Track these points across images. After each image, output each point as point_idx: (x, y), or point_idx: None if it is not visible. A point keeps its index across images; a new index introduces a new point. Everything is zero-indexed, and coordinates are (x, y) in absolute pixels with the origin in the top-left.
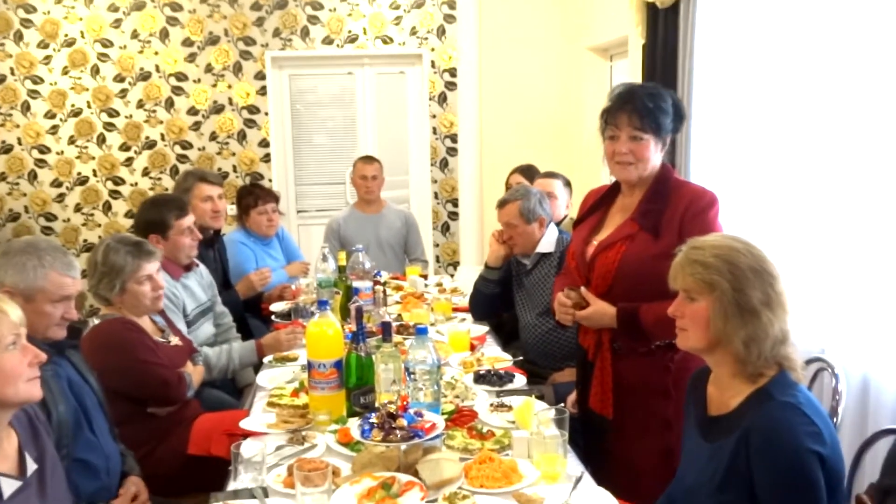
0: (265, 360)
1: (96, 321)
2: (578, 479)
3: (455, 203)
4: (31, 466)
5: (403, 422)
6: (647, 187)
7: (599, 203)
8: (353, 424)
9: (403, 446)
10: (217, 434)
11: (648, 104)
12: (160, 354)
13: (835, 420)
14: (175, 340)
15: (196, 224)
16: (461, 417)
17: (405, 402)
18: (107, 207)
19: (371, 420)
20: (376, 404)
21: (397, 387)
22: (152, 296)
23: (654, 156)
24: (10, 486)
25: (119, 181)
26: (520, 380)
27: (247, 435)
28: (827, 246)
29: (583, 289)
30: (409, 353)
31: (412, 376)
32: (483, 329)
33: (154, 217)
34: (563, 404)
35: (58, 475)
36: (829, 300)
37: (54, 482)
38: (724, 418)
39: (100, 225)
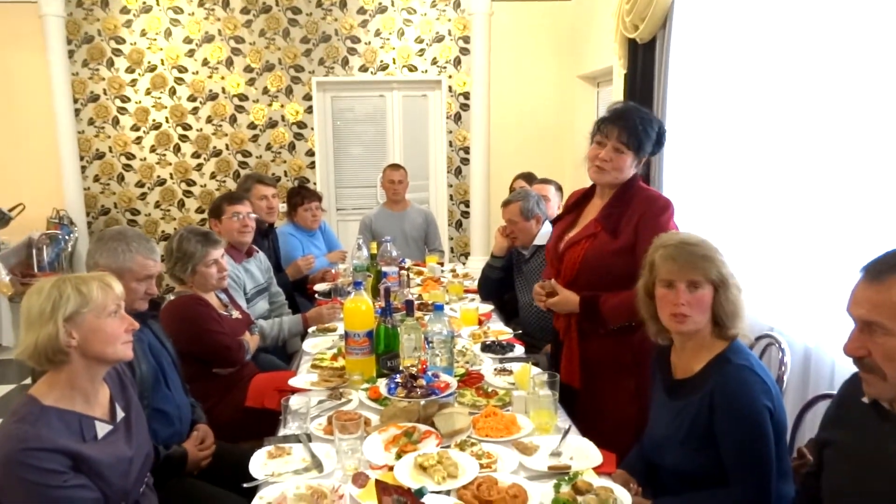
0: (310, 330)
1: (172, 297)
2: (566, 431)
3: (467, 204)
4: (120, 414)
5: (423, 382)
6: (615, 192)
7: (576, 204)
8: (382, 383)
9: (423, 402)
10: (269, 390)
11: (638, 126)
12: (224, 325)
13: (781, 387)
14: (236, 314)
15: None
16: (470, 379)
17: (424, 366)
18: (181, 204)
19: (396, 380)
20: (400, 367)
21: (418, 353)
22: (218, 276)
23: (629, 169)
24: (103, 429)
25: (191, 183)
26: (519, 349)
27: (294, 391)
28: (776, 242)
29: (552, 280)
30: (428, 325)
31: (430, 345)
32: (489, 307)
33: (214, 205)
34: (553, 370)
35: (141, 421)
36: (778, 287)
37: (138, 427)
38: (689, 381)
39: (175, 219)
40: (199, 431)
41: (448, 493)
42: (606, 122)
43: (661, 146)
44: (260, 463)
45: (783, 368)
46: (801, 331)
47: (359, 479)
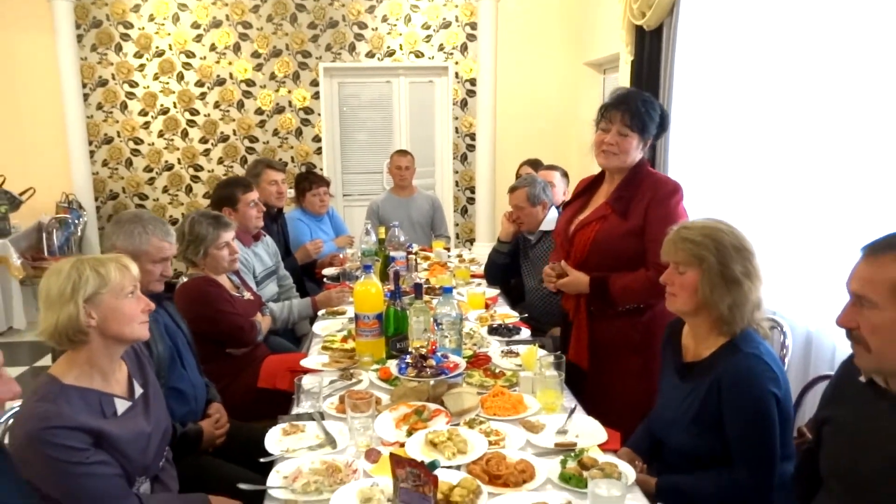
0: (319, 313)
1: (184, 279)
2: (572, 410)
3: (472, 190)
4: (138, 391)
5: (433, 362)
6: (624, 177)
7: (585, 189)
8: (392, 364)
9: (432, 381)
10: (281, 371)
11: (640, 108)
12: (236, 306)
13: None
14: (247, 295)
15: (262, 201)
16: (478, 361)
17: (434, 347)
18: (188, 189)
19: (407, 360)
20: (409, 349)
21: (427, 335)
22: (229, 259)
23: (635, 152)
24: (122, 405)
25: (199, 168)
26: (525, 332)
27: (306, 371)
28: (779, 229)
29: (563, 262)
30: (437, 308)
31: (440, 326)
32: (495, 291)
33: (226, 193)
34: (559, 352)
35: (159, 398)
36: (781, 272)
37: (156, 403)
38: (698, 364)
39: (183, 204)
40: (214, 410)
41: (458, 468)
42: (610, 107)
43: (665, 129)
44: (275, 439)
45: (784, 351)
46: (804, 315)
47: (371, 455)
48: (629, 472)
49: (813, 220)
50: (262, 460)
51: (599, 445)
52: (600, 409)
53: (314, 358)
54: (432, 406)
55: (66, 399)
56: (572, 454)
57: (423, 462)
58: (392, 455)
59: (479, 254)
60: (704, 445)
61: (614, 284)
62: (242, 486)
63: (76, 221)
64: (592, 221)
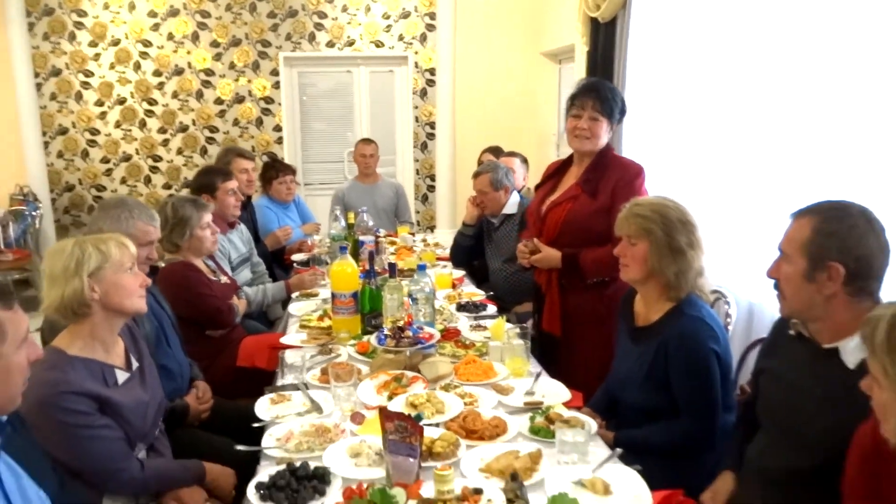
0: (293, 295)
1: (163, 264)
2: (538, 375)
3: (433, 178)
4: (135, 363)
5: (410, 333)
6: (592, 160)
7: (555, 172)
8: (371, 337)
9: (408, 351)
10: (260, 349)
11: (608, 95)
12: (214, 289)
13: (727, 335)
14: (224, 279)
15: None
16: (449, 334)
17: (411, 319)
18: (147, 180)
19: (385, 332)
20: (383, 325)
21: (400, 312)
22: (212, 239)
23: (605, 135)
24: (122, 376)
25: (157, 159)
26: (491, 308)
27: (286, 348)
28: (723, 209)
29: (535, 240)
30: (413, 284)
31: (415, 301)
32: (461, 273)
33: (206, 181)
34: (524, 324)
35: (153, 371)
36: (727, 250)
37: (151, 376)
38: (648, 328)
39: (142, 195)
40: (199, 387)
41: (437, 425)
42: (579, 96)
43: (624, 115)
44: (264, 407)
45: (729, 320)
46: (746, 288)
47: (357, 418)
48: (591, 422)
49: (755, 202)
50: (255, 425)
51: (564, 403)
52: (572, 373)
53: (293, 335)
54: (410, 373)
55: (73, 367)
56: (540, 411)
57: (409, 415)
58: (381, 409)
59: (442, 240)
60: (655, 401)
61: (584, 259)
62: (240, 447)
63: (33, 214)
64: (563, 202)
